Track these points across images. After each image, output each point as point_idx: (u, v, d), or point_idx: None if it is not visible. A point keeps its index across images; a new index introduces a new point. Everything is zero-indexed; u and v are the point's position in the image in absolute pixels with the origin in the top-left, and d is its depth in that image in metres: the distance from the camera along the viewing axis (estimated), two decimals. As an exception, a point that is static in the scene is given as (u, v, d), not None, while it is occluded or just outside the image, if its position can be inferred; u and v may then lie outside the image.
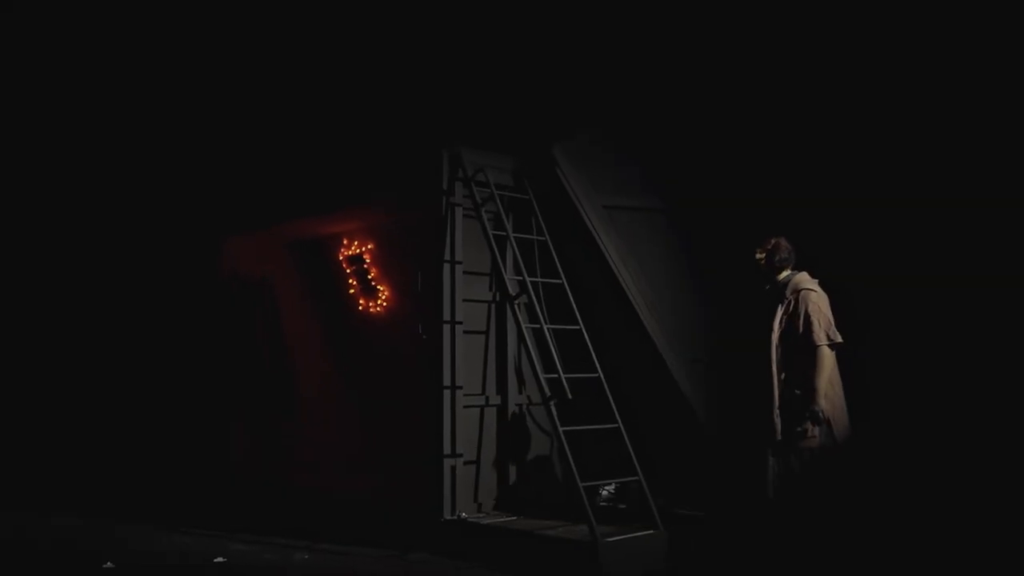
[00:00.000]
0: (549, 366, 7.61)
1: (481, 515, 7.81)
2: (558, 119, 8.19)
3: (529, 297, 7.50)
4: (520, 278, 7.69)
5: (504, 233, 7.83)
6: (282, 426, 9.80)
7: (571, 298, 7.81)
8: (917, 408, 7.35)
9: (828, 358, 6.25)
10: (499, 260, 7.63)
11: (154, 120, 8.84)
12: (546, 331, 7.50)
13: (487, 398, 8.16)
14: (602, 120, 8.38)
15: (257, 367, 10.11)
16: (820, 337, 6.24)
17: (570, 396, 7.20)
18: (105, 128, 8.79)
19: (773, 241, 6.58)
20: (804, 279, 6.45)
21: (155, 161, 9.17)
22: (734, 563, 6.57)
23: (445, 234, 7.82)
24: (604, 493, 7.88)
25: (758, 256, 6.57)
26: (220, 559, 7.39)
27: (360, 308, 9.25)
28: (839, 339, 6.27)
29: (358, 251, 9.22)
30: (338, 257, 9.37)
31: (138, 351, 9.85)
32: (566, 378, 7.19)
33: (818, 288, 6.40)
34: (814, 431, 6.21)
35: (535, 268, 8.00)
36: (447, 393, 7.73)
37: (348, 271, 9.33)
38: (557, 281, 7.85)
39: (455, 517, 7.61)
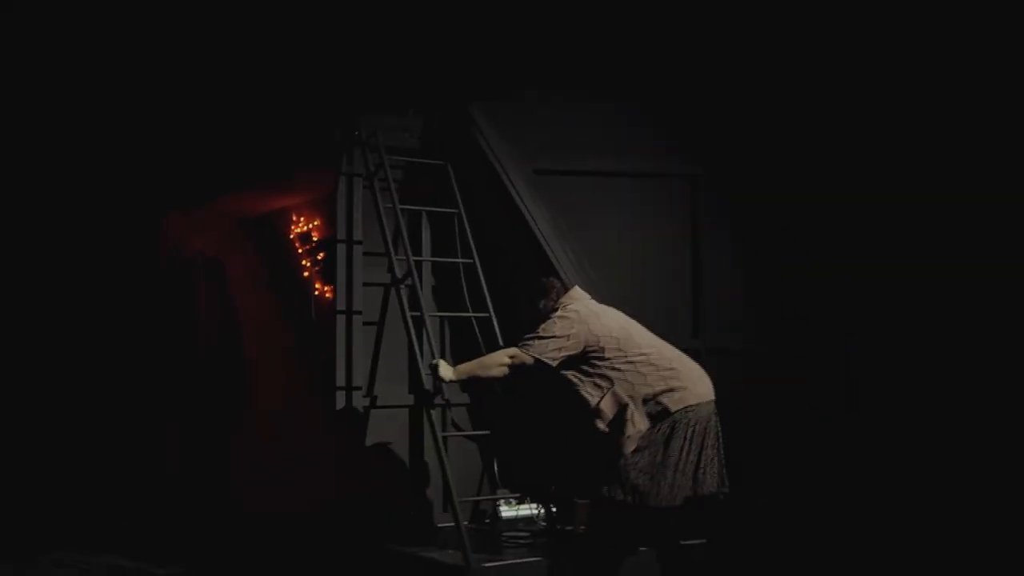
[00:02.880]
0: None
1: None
2: (480, 73, 6.96)
3: (413, 280, 6.32)
4: (420, 258, 6.70)
5: (416, 207, 6.83)
6: (231, 431, 8.96)
7: (483, 280, 6.65)
8: (906, 402, 6.70)
9: (504, 357, 5.48)
10: (387, 237, 6.47)
11: (84, 88, 8.10)
12: (426, 319, 6.34)
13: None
14: (539, 72, 7.07)
15: (202, 360, 9.31)
16: (528, 341, 5.40)
17: (446, 397, 6.18)
18: (27, 95, 8.11)
19: (544, 281, 5.69)
20: (570, 298, 5.59)
21: (84, 130, 8.42)
22: None
23: (340, 209, 6.77)
24: (539, 513, 6.64)
25: (543, 305, 5.60)
26: None
27: (316, 292, 8.30)
28: (541, 359, 5.36)
29: (306, 228, 8.28)
30: (290, 235, 8.44)
31: (64, 342, 9.15)
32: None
33: (580, 307, 5.51)
34: (629, 430, 5.21)
35: (454, 244, 6.83)
36: (340, 395, 6.65)
37: (300, 251, 8.39)
38: (468, 260, 6.67)
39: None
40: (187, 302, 9.42)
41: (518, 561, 5.75)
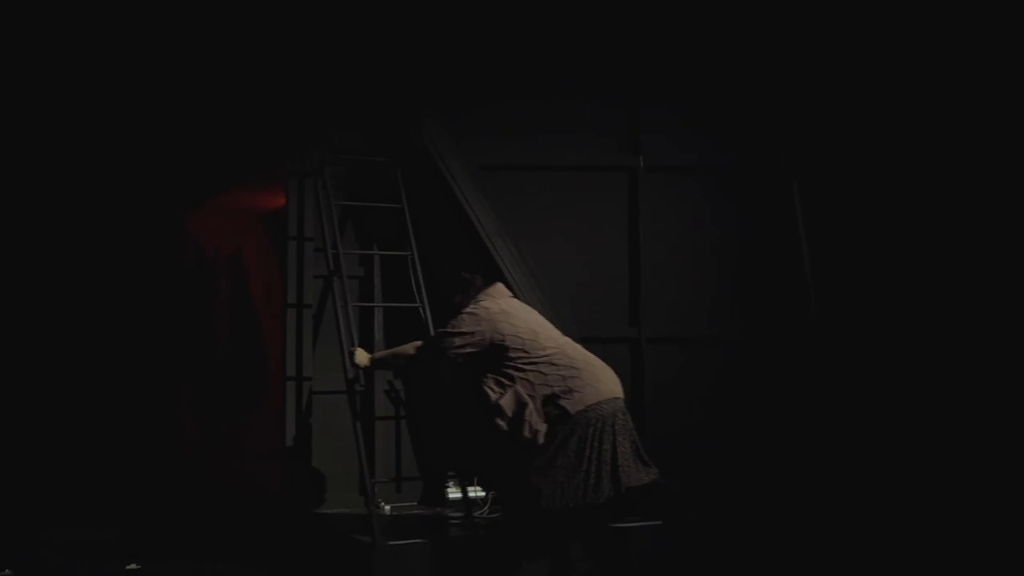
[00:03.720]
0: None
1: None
2: (427, 72, 7.17)
3: (341, 272, 6.60)
4: (350, 251, 7.00)
5: (360, 203, 7.10)
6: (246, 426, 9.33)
7: (419, 272, 6.86)
8: (905, 402, 6.80)
9: (412, 350, 5.79)
10: (325, 232, 6.77)
11: (105, 86, 8.57)
12: (348, 308, 6.61)
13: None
14: (486, 69, 7.25)
15: (221, 349, 9.69)
16: (437, 335, 5.66)
17: (363, 383, 6.54)
18: (47, 94, 8.62)
19: (465, 276, 5.77)
20: (486, 294, 5.67)
21: (101, 132, 8.89)
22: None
23: (290, 206, 7.12)
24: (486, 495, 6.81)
25: (458, 300, 5.71)
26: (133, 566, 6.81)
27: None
28: (446, 353, 5.55)
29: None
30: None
31: (81, 339, 9.57)
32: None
33: (491, 304, 5.58)
34: (526, 431, 5.30)
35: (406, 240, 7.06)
36: (291, 385, 7.00)
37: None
38: (405, 253, 6.91)
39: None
40: (206, 298, 9.86)
41: (419, 541, 5.96)
